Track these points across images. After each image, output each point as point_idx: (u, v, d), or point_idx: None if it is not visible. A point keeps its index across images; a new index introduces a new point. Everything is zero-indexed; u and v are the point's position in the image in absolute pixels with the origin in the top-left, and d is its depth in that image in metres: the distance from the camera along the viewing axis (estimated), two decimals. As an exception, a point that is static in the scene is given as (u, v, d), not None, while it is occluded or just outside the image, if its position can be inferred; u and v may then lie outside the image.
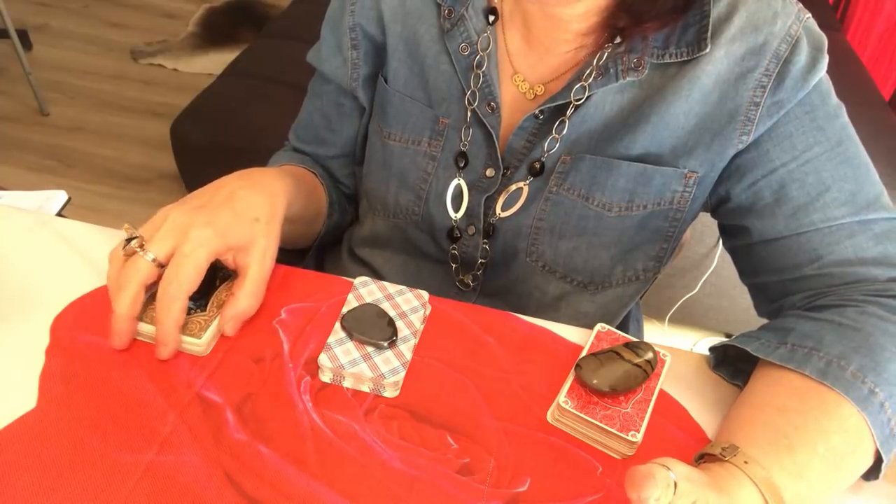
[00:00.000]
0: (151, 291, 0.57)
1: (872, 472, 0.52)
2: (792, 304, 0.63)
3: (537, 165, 0.67)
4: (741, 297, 1.63)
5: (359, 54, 0.73)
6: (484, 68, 0.67)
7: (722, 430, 0.54)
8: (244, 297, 0.57)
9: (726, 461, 0.48)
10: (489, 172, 0.70)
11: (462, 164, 0.70)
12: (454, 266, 0.76)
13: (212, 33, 2.79)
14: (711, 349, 0.61)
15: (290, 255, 0.83)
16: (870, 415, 0.50)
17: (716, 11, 0.61)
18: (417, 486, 0.50)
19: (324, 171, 0.83)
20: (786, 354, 0.54)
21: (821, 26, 0.63)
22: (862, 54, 2.15)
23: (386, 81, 0.73)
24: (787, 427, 0.50)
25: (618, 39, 0.62)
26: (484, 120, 0.68)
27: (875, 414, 0.50)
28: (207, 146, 1.79)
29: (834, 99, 0.63)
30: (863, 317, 0.55)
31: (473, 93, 0.68)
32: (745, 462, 0.48)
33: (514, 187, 0.68)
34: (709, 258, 1.58)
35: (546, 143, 0.66)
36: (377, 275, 0.80)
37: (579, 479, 0.52)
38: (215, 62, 2.55)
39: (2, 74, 2.49)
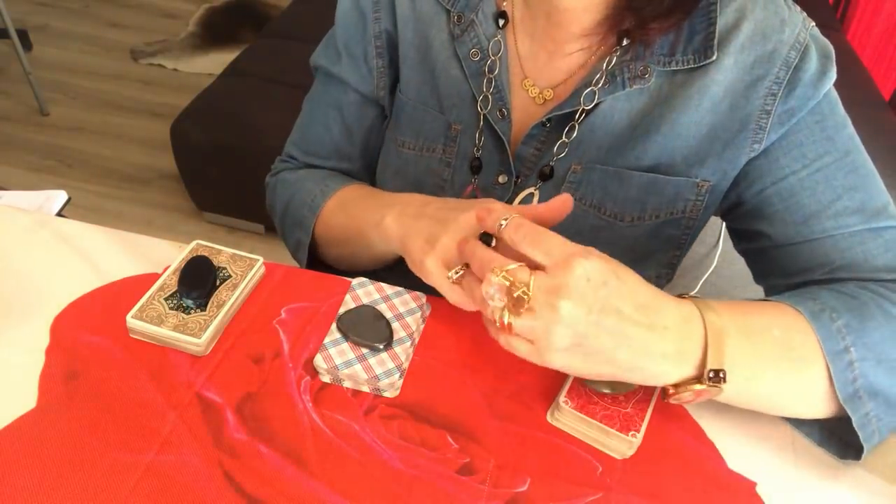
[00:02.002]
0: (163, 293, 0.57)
1: (850, 451, 0.53)
2: None
3: (546, 170, 0.67)
4: (741, 297, 1.63)
5: (384, 62, 0.72)
6: (495, 73, 0.67)
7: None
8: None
9: (687, 298, 0.52)
10: (501, 179, 0.69)
11: (477, 170, 0.70)
12: None
13: (212, 33, 2.79)
14: None
15: (289, 255, 0.82)
16: (836, 370, 0.52)
17: (723, 20, 0.61)
18: (417, 486, 0.50)
19: None
20: (786, 296, 0.57)
21: (821, 26, 0.63)
22: (862, 54, 2.15)
23: (399, 90, 0.73)
24: (757, 315, 0.54)
25: (625, 42, 0.62)
26: (495, 126, 0.67)
27: (841, 371, 0.52)
28: (207, 146, 1.79)
29: (841, 109, 0.63)
30: (862, 291, 0.58)
31: (485, 98, 0.67)
32: (705, 304, 0.52)
33: (525, 193, 0.68)
34: (709, 258, 1.57)
35: (555, 148, 0.66)
36: (383, 277, 0.80)
37: (579, 479, 0.52)
38: (215, 62, 2.55)
39: (2, 74, 2.49)
